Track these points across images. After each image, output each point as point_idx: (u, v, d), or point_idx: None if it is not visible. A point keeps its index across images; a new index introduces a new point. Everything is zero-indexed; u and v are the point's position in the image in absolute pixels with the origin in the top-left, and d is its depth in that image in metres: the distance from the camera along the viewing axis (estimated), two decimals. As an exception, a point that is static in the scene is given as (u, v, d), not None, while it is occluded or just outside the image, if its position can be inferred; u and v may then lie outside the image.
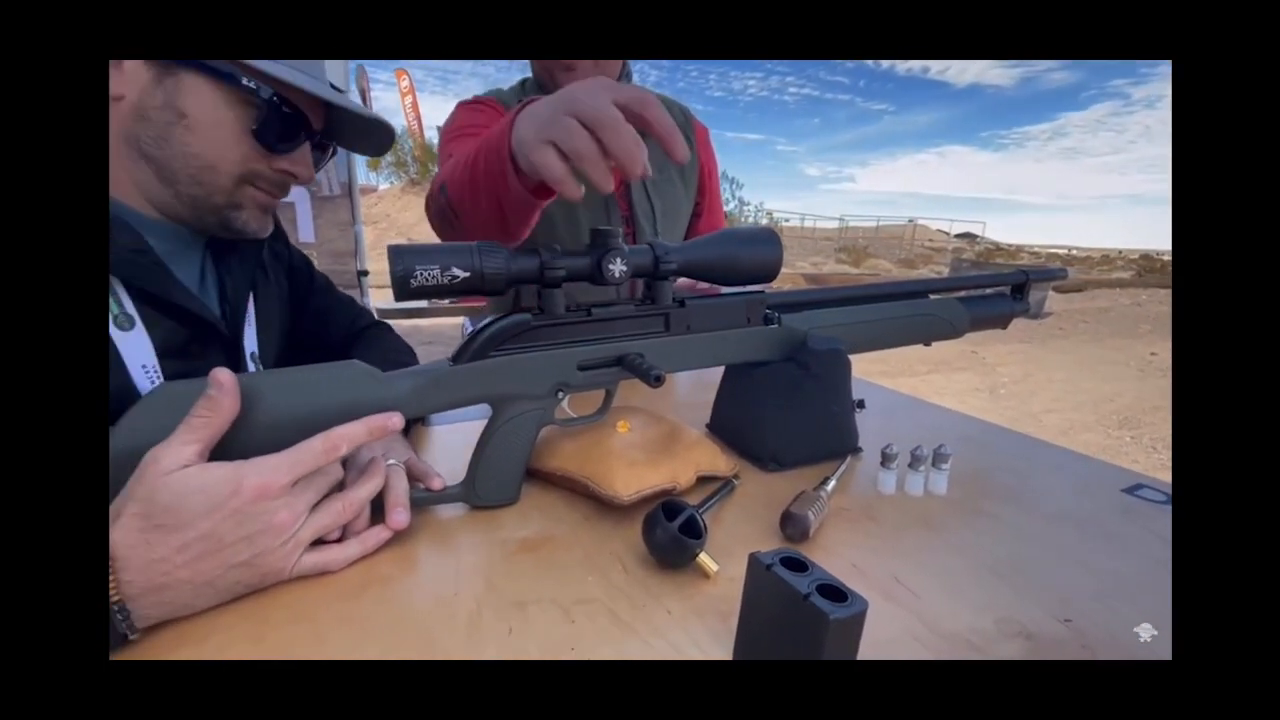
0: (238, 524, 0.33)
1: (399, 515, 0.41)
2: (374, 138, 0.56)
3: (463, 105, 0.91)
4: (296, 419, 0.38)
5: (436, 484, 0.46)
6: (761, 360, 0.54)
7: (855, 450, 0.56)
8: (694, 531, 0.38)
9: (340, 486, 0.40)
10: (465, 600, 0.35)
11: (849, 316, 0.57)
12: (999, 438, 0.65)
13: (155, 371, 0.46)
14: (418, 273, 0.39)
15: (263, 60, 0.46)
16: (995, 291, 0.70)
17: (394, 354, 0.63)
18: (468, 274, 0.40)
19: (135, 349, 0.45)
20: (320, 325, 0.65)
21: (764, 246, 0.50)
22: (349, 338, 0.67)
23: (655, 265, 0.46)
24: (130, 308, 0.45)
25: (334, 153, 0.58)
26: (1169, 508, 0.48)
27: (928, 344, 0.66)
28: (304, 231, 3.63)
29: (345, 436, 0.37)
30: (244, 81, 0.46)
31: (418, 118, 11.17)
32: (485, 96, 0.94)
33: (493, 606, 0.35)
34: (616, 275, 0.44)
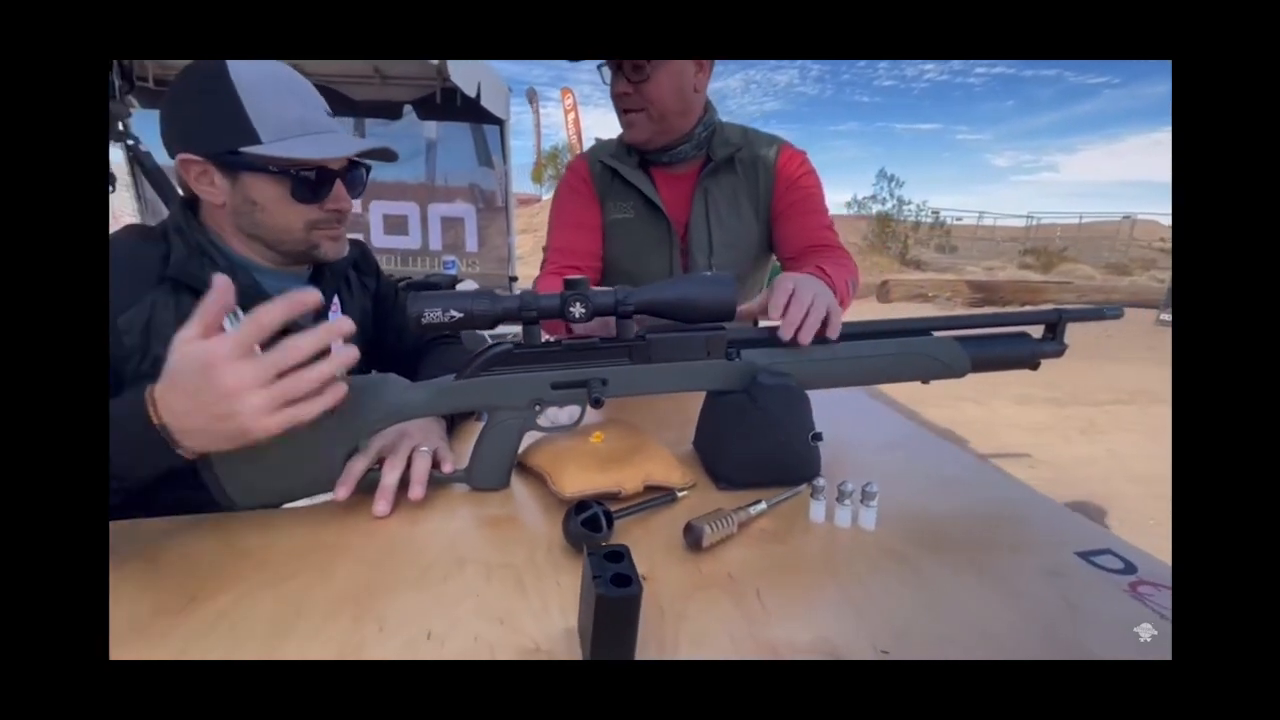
0: (205, 382, 0.43)
1: (415, 489, 0.57)
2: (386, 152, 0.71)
3: (563, 183, 1.11)
4: (343, 411, 0.55)
5: (447, 467, 0.61)
6: (723, 390, 0.61)
7: (815, 479, 0.60)
8: (595, 526, 0.47)
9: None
10: (429, 553, 0.49)
11: (810, 354, 0.60)
12: (990, 484, 0.63)
13: None
14: (425, 313, 0.54)
15: (284, 143, 0.62)
16: (1016, 331, 0.67)
17: (450, 360, 0.79)
18: (462, 315, 0.54)
19: None
20: (398, 339, 0.86)
21: (717, 289, 0.57)
22: (420, 348, 0.86)
23: (615, 306, 0.56)
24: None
25: (369, 169, 0.72)
26: (1116, 579, 0.45)
27: (926, 381, 0.66)
28: (470, 244, 4.26)
29: (265, 315, 0.44)
30: (271, 169, 0.63)
31: (578, 133, 12.19)
32: (583, 157, 1.11)
33: (445, 560, 0.48)
34: (577, 315, 0.55)
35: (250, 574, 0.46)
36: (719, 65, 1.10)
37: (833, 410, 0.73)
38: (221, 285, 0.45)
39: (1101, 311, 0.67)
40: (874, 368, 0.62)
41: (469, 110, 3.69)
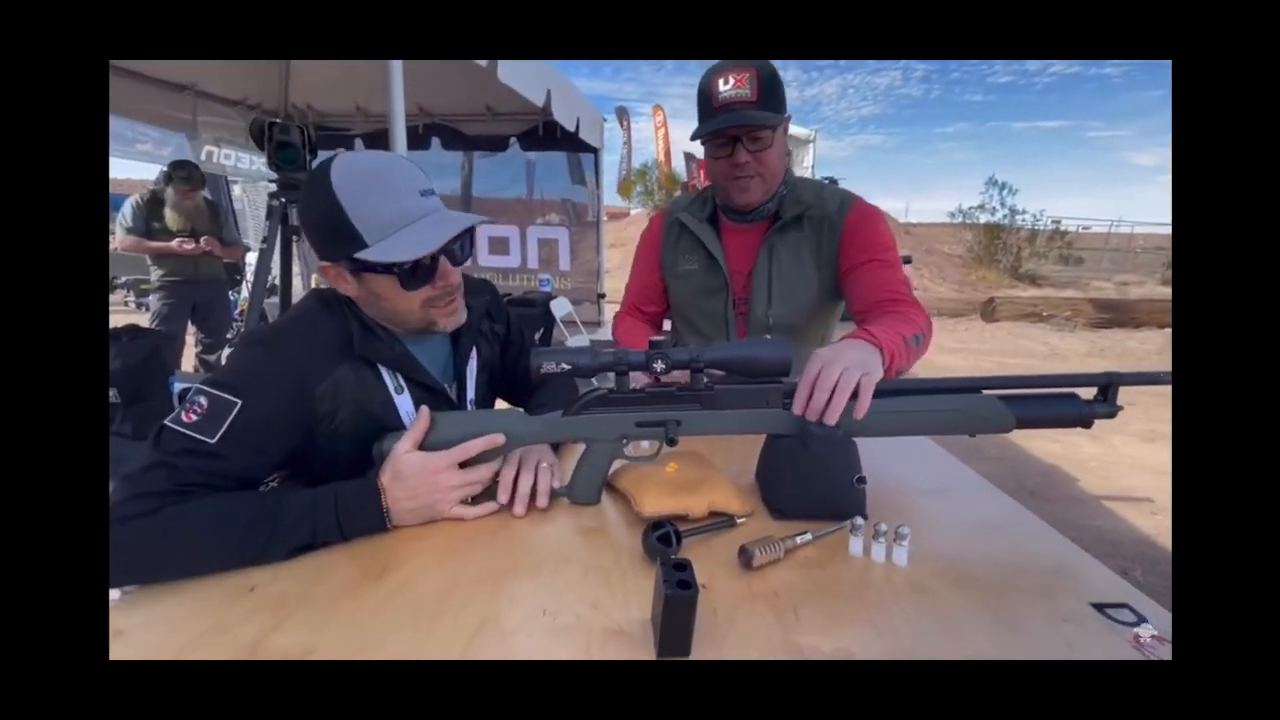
0: (421, 483, 0.67)
1: (541, 499, 0.73)
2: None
3: (643, 233, 1.25)
4: (469, 435, 0.72)
5: (555, 483, 0.77)
6: (780, 434, 0.72)
7: (854, 518, 0.68)
8: (667, 542, 0.60)
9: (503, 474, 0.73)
10: (540, 551, 0.65)
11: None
12: (1026, 533, 0.68)
13: (412, 418, 0.76)
14: (543, 365, 0.70)
15: (385, 242, 0.69)
16: (1065, 392, 0.71)
17: (563, 393, 0.94)
18: (571, 367, 0.70)
19: (404, 405, 0.79)
20: (525, 375, 0.99)
21: (774, 350, 0.68)
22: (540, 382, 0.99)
23: (689, 363, 0.70)
24: (401, 382, 0.79)
25: (471, 238, 0.80)
26: (1123, 630, 0.50)
27: (972, 435, 0.72)
28: (563, 262, 4.60)
29: (470, 448, 0.71)
30: (380, 270, 0.71)
31: (666, 150, 12.51)
32: (661, 215, 1.25)
33: (553, 559, 0.63)
34: (659, 369, 0.69)
35: (418, 557, 0.64)
36: (813, 70, 1.17)
37: (885, 451, 0.81)
38: (424, 415, 0.72)
39: (1158, 377, 0.70)
40: (918, 422, 0.70)
41: (567, 141, 4.01)
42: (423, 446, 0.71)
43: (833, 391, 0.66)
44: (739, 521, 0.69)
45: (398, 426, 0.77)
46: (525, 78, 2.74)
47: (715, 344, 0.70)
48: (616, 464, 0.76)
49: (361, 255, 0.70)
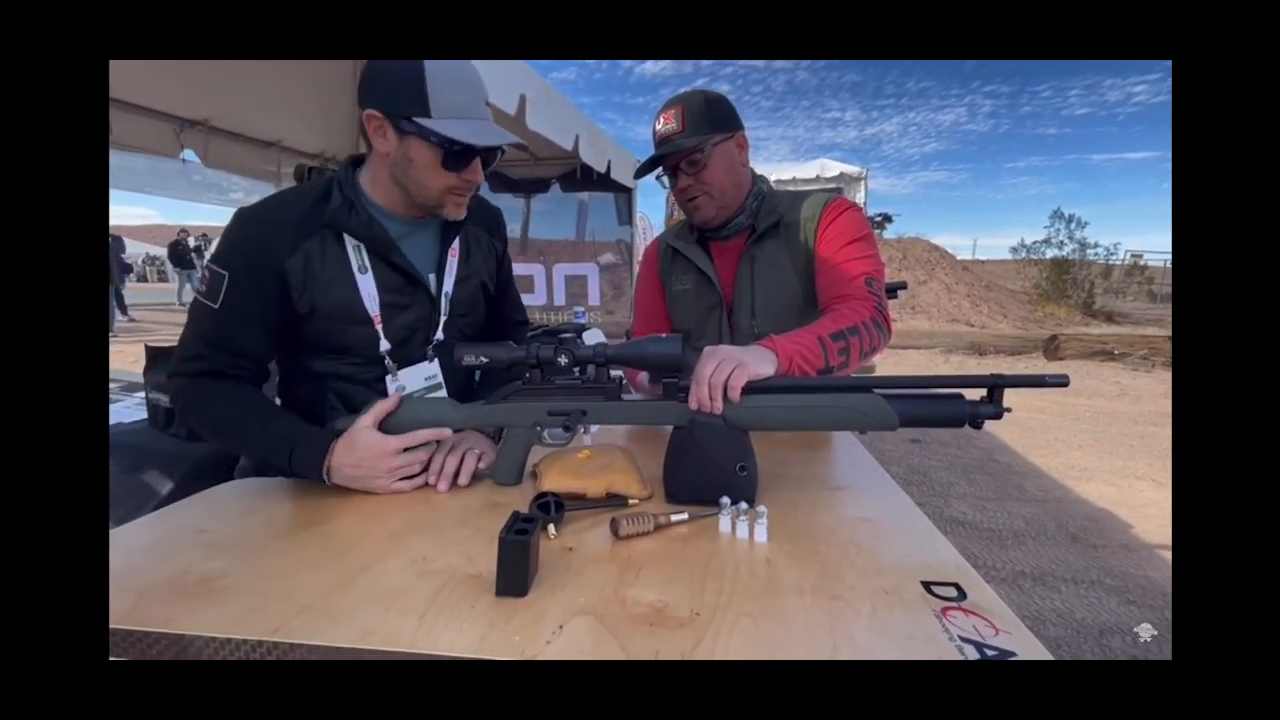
0: (369, 456, 0.77)
1: (463, 477, 0.82)
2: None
3: (641, 265, 1.32)
4: (416, 421, 0.82)
5: (483, 465, 0.85)
6: (675, 424, 0.78)
7: (737, 502, 0.72)
8: (547, 509, 0.67)
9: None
10: (445, 516, 0.73)
11: (743, 403, 0.74)
12: (908, 528, 0.70)
13: (376, 301, 0.85)
14: (465, 357, 0.80)
15: (447, 122, 0.76)
16: (950, 393, 0.73)
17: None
18: (488, 360, 0.80)
19: (366, 285, 0.85)
20: (500, 297, 1.07)
21: (665, 347, 0.75)
22: (505, 320, 1.10)
23: (593, 357, 0.78)
24: (366, 260, 0.85)
25: (501, 152, 0.86)
26: (934, 602, 0.52)
27: (862, 432, 0.76)
28: (592, 297, 4.80)
29: (418, 436, 0.80)
30: (432, 140, 0.78)
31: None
32: (655, 242, 1.32)
33: (452, 522, 0.71)
34: (563, 364, 0.77)
35: (347, 513, 0.74)
36: (873, 110, 1.19)
37: (813, 457, 0.84)
38: (394, 398, 0.81)
39: (1043, 379, 0.71)
40: (804, 416, 0.74)
41: (603, 182, 4.25)
42: (382, 424, 0.82)
43: (709, 382, 0.72)
44: (631, 502, 0.75)
45: (359, 308, 0.86)
46: (553, 124, 2.96)
47: (617, 342, 0.77)
48: (542, 451, 0.84)
49: (424, 121, 0.76)
